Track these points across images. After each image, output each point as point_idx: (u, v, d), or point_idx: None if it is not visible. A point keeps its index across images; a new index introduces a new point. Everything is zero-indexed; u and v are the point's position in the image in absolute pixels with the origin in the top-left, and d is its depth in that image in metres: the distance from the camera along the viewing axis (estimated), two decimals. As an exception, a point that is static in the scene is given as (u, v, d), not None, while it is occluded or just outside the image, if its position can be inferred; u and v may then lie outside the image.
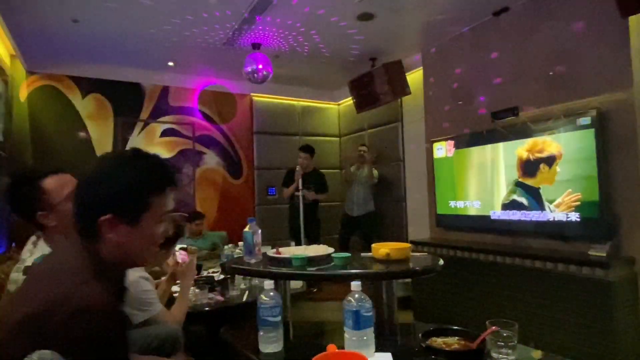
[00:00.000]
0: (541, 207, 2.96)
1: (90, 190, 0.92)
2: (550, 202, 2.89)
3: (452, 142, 3.72)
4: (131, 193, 0.92)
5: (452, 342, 1.20)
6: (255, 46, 3.90)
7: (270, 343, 1.33)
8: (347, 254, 1.90)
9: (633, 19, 2.50)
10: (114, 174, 0.93)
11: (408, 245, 1.79)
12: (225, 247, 3.38)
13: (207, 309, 2.17)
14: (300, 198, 4.22)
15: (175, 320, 1.80)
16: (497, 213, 3.30)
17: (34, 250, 1.33)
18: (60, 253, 0.96)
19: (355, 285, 1.29)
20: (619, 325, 2.34)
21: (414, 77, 4.29)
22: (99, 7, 3.06)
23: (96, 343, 0.78)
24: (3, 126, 3.11)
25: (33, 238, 1.37)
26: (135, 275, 1.80)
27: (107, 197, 0.90)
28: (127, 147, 4.62)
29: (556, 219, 2.85)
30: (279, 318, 1.34)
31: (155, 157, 1.02)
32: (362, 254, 1.88)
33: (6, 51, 3.63)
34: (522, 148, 3.08)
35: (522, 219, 3.09)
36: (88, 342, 0.77)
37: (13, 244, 3.25)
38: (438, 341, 1.20)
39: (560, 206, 2.81)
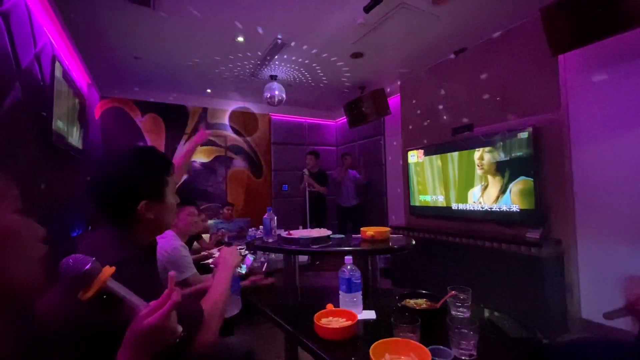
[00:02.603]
0: (489, 200, 2.94)
1: (120, 188, 0.86)
2: (497, 197, 2.87)
3: (422, 151, 3.70)
4: (155, 178, 0.91)
5: (421, 303, 1.19)
6: (273, 77, 3.89)
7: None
8: (342, 235, 1.90)
9: (561, 57, 2.49)
10: (133, 172, 0.88)
11: (388, 229, 1.79)
12: (249, 229, 3.38)
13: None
14: (307, 193, 4.23)
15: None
16: (456, 204, 3.28)
17: None
18: (95, 235, 0.93)
19: (348, 259, 1.29)
20: (547, 290, 2.34)
21: (394, 101, 4.27)
22: (154, 48, 3.06)
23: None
24: (82, 138, 3.12)
25: None
26: (176, 244, 1.77)
27: (137, 188, 0.87)
28: (174, 155, 4.63)
29: (501, 209, 2.84)
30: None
31: (155, 149, 0.99)
32: (353, 235, 1.87)
33: (84, 81, 3.64)
34: (475, 155, 3.06)
35: (476, 209, 3.08)
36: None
37: (89, 228, 3.25)
38: (410, 302, 1.20)
39: (512, 201, 2.79)
